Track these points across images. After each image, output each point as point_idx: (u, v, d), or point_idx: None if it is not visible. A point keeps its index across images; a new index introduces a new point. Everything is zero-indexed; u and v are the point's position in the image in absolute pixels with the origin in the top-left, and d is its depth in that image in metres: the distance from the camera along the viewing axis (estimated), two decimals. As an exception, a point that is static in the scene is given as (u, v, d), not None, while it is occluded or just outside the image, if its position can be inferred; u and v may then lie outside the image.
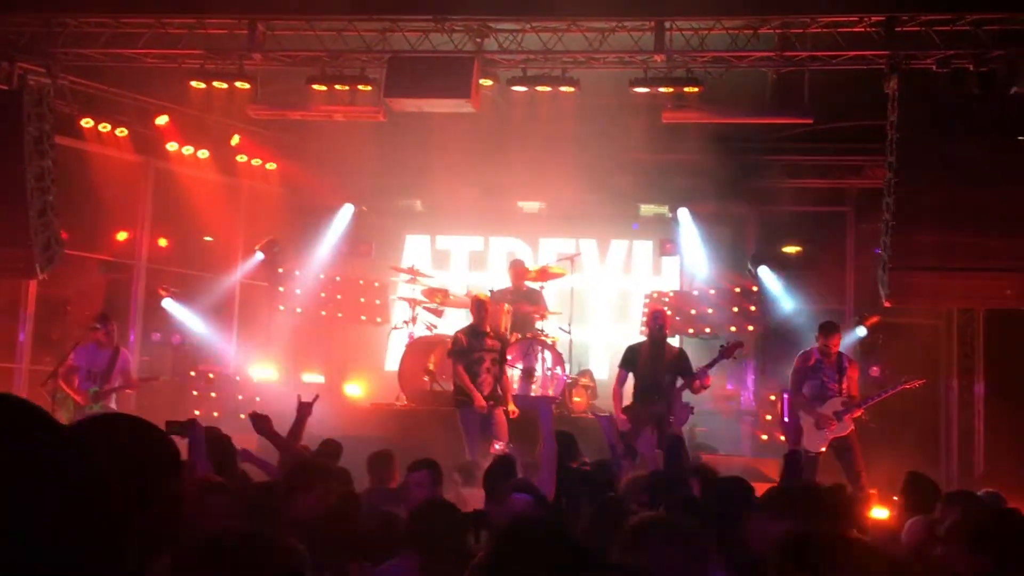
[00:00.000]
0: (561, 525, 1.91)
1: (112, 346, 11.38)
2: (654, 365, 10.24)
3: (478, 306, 11.04)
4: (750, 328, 13.73)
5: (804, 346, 12.47)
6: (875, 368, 12.86)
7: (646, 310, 13.24)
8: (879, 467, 10.65)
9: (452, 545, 4.39)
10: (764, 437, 12.91)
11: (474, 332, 11.01)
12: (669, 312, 13.55)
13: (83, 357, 11.23)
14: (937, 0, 10.61)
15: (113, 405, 11.21)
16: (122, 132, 13.50)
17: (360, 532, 5.01)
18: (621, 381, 10.47)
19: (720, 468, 9.75)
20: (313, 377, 14.55)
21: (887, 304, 11.06)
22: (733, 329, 13.38)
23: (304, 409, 7.40)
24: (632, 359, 10.46)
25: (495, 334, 11.19)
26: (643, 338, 10.65)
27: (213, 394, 13.55)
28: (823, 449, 10.20)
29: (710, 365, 10.04)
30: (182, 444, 4.84)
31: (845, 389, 10.41)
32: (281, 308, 14.62)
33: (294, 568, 2.05)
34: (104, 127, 13.34)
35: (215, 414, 12.89)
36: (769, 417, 12.90)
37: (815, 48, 11.13)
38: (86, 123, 13.17)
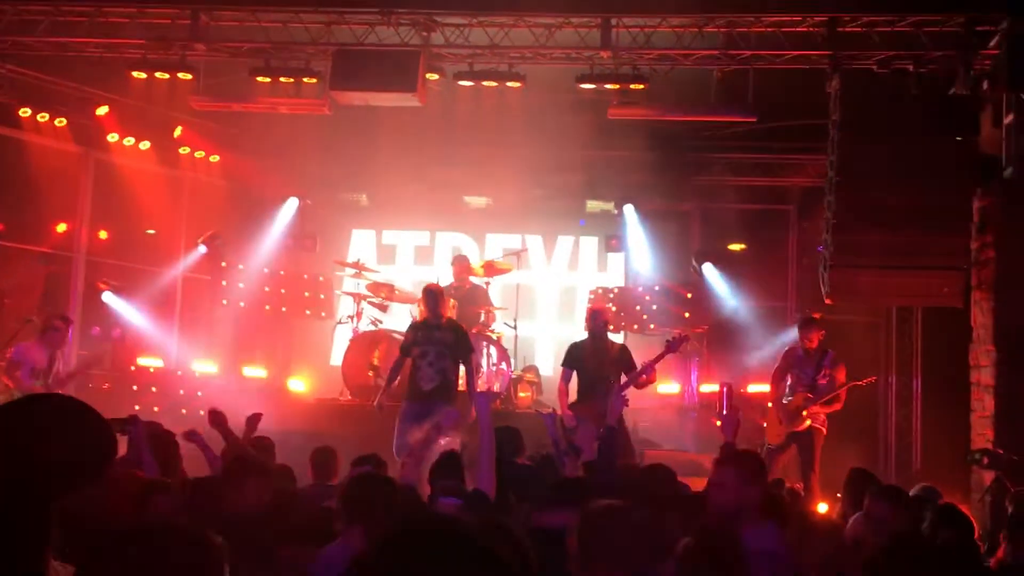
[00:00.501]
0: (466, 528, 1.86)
1: (57, 348, 11.14)
2: (597, 362, 10.27)
3: (424, 296, 10.65)
4: (694, 324, 13.83)
5: (747, 342, 12.65)
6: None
7: (589, 304, 13.31)
8: (821, 463, 10.79)
9: (391, 510, 4.40)
10: (708, 433, 13.01)
11: (419, 325, 10.69)
12: (613, 308, 13.67)
13: (28, 353, 10.96)
14: (879, 2, 10.75)
15: None
16: (61, 122, 13.25)
17: (297, 526, 4.99)
18: (566, 379, 10.47)
19: (664, 463, 9.86)
20: (255, 371, 14.41)
21: (828, 302, 11.21)
22: (677, 325, 13.46)
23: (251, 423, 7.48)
24: (575, 357, 10.46)
25: (448, 326, 10.66)
26: (585, 336, 10.65)
27: (154, 389, 13.36)
28: (779, 443, 10.40)
29: (656, 360, 10.08)
30: (123, 441, 4.79)
31: (823, 385, 10.54)
32: (224, 302, 14.46)
33: (211, 560, 2.01)
34: (43, 117, 13.08)
35: (155, 409, 12.69)
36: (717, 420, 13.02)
37: (759, 47, 11.23)
38: (24, 113, 12.90)
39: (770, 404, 10.96)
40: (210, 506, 5.16)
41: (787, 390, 10.70)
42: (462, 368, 10.59)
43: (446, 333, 10.43)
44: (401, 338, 11.13)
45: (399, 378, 10.73)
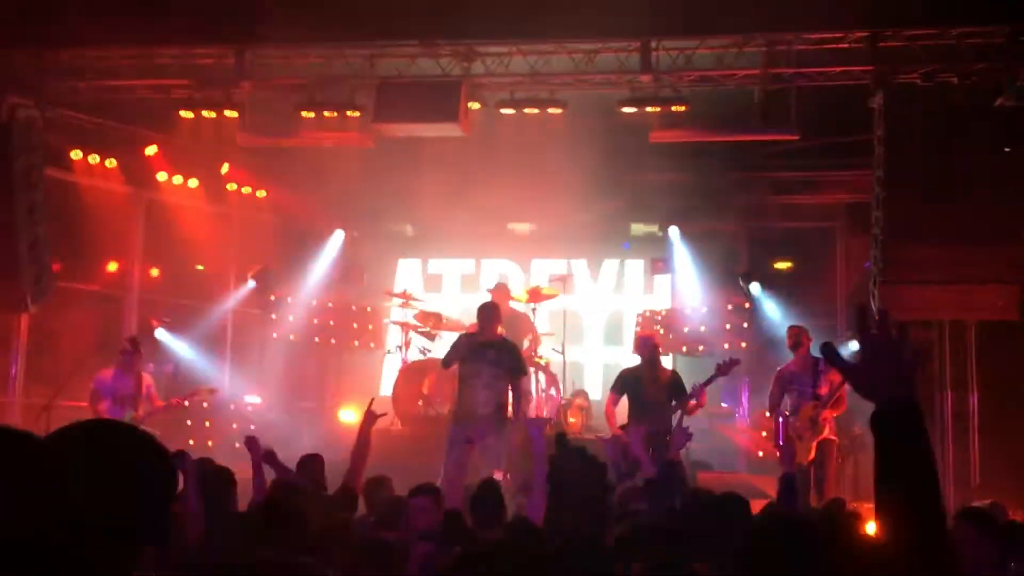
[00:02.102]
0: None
1: (136, 371, 11.34)
2: (649, 388, 10.20)
3: (480, 311, 10.21)
4: (743, 345, 13.72)
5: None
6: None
7: (638, 331, 13.28)
8: (872, 481, 10.62)
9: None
10: (760, 454, 12.89)
11: (469, 340, 10.22)
12: (661, 331, 13.61)
13: (106, 383, 11.15)
14: (920, 15, 10.67)
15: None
16: (111, 163, 13.50)
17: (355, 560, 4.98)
18: (614, 403, 10.41)
19: (716, 484, 9.78)
20: (306, 404, 14.51)
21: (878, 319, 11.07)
22: (726, 346, 13.38)
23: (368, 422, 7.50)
24: (626, 383, 10.39)
25: (503, 345, 10.16)
26: (636, 362, 10.59)
27: (207, 423, 13.50)
28: (812, 456, 10.22)
29: (707, 383, 10.02)
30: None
31: (824, 393, 10.31)
32: (274, 335, 14.60)
33: None
34: (94, 158, 13.34)
35: (209, 443, 12.84)
36: (764, 433, 12.90)
37: (800, 65, 11.20)
38: (75, 155, 13.17)
39: (764, 433, 10.77)
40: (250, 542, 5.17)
41: (791, 410, 10.44)
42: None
43: (501, 353, 10.01)
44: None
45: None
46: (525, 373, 10.34)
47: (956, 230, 10.36)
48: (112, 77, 12.01)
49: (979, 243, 10.37)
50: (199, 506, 5.62)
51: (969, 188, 10.35)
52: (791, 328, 11.02)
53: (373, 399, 8.15)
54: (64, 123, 12.91)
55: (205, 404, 13.54)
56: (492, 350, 9.97)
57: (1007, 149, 10.64)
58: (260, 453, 7.18)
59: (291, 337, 14.61)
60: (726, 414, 13.99)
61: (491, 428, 9.56)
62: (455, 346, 10.30)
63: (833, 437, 10.43)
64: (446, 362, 10.36)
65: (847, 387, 10.36)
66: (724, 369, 9.99)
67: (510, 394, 10.12)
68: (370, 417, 7.75)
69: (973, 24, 10.59)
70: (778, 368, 10.81)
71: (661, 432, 9.59)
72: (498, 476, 9.16)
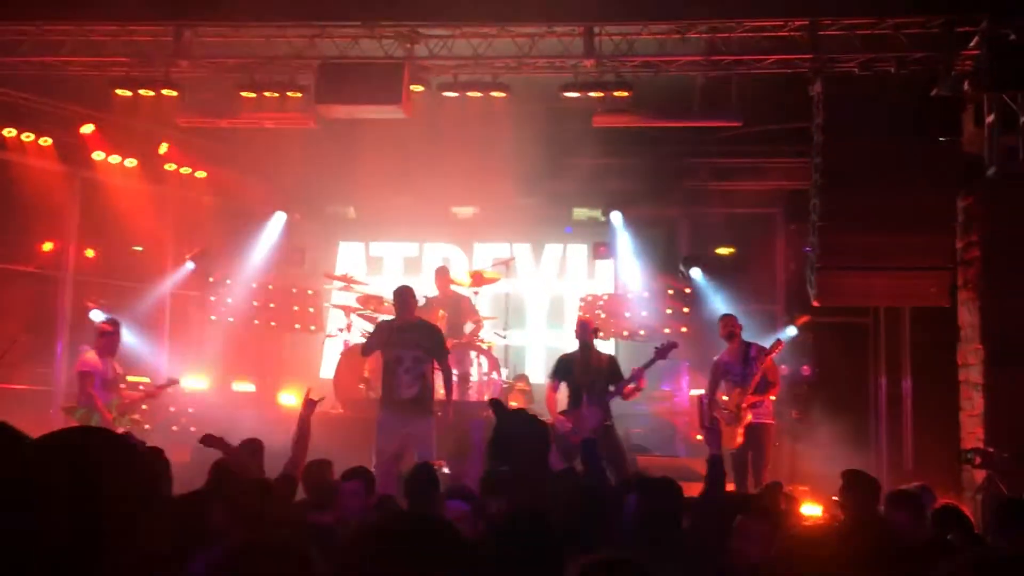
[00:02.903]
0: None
1: (113, 354, 10.98)
2: (585, 373, 10.24)
3: (395, 296, 10.05)
4: (683, 330, 13.84)
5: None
6: (806, 367, 13.08)
7: (579, 316, 13.35)
8: (809, 464, 10.82)
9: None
10: (698, 437, 13.03)
11: (387, 326, 10.09)
12: (603, 316, 13.70)
13: (96, 365, 10.75)
14: (859, 5, 10.81)
15: (137, 417, 10.98)
16: (46, 142, 13.22)
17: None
18: (554, 389, 10.43)
19: (655, 469, 9.88)
20: (245, 386, 14.38)
21: (816, 304, 11.26)
22: (667, 331, 13.49)
23: (307, 409, 7.47)
24: (564, 368, 10.43)
25: (421, 326, 10.09)
26: (574, 347, 10.63)
27: (144, 406, 13.30)
28: (740, 441, 10.35)
29: (645, 367, 10.09)
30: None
31: (755, 378, 10.43)
32: (213, 318, 14.44)
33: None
34: (27, 137, 13.05)
35: (146, 426, 12.66)
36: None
37: (741, 52, 11.29)
38: (8, 133, 12.88)
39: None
40: (196, 522, 5.14)
41: (727, 392, 10.60)
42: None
43: (421, 335, 9.89)
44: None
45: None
46: (447, 353, 10.16)
47: (891, 218, 10.51)
48: (46, 53, 11.75)
49: (913, 231, 10.53)
50: None
51: (904, 177, 10.52)
52: (724, 317, 11.14)
53: (310, 388, 8.10)
54: (-3, 100, 12.63)
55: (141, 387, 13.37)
56: (411, 333, 9.81)
57: (941, 139, 10.82)
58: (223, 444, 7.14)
59: (230, 319, 14.46)
60: (665, 398, 14.11)
61: (417, 414, 9.51)
62: (374, 333, 10.20)
63: (769, 421, 10.58)
64: (365, 350, 10.29)
65: (780, 370, 10.55)
66: (662, 352, 10.07)
67: (436, 378, 10.02)
68: (309, 405, 7.71)
69: (910, 15, 10.74)
70: (714, 359, 10.94)
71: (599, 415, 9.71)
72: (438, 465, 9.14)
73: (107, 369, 10.85)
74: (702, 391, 10.93)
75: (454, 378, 10.61)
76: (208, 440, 7.14)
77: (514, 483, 5.28)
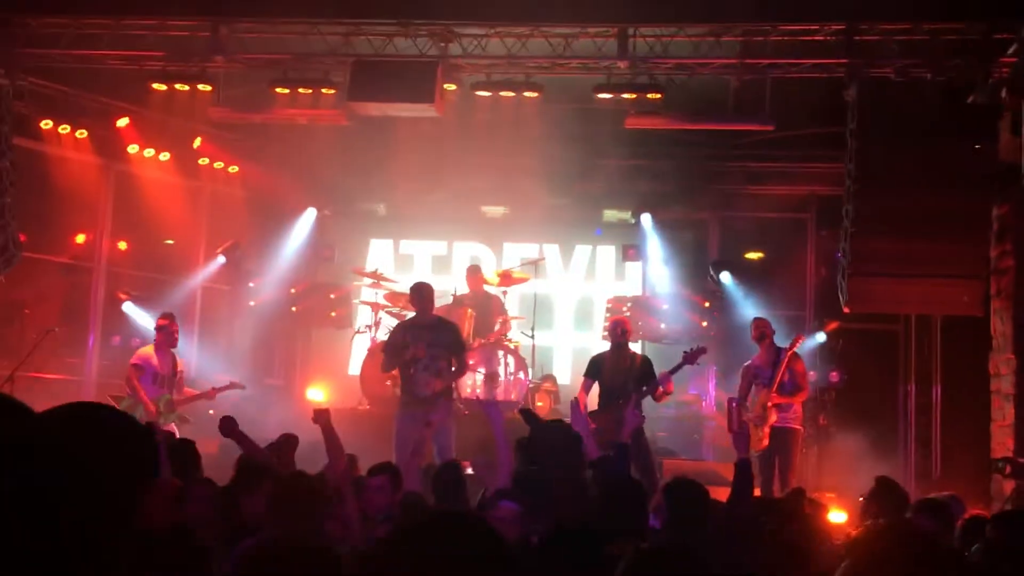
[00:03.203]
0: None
1: (171, 350, 11.04)
2: (617, 373, 10.24)
3: (411, 294, 10.15)
4: (712, 333, 13.80)
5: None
6: (834, 373, 12.99)
7: (608, 317, 13.34)
8: (836, 471, 10.76)
9: None
10: (727, 442, 12.99)
11: (407, 325, 10.16)
12: (629, 317, 13.66)
13: (150, 360, 10.85)
14: (895, 10, 10.72)
15: (183, 413, 10.92)
16: (82, 134, 13.36)
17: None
18: (586, 389, 10.43)
19: (682, 472, 9.84)
20: (274, 381, 14.47)
21: (846, 310, 11.18)
22: (695, 335, 13.44)
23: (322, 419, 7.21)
24: (596, 368, 10.43)
25: (439, 324, 10.12)
26: (607, 347, 10.62)
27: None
28: (765, 443, 10.35)
29: (674, 371, 10.07)
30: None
31: (779, 376, 10.44)
32: (252, 303, 14.51)
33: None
34: (64, 129, 13.19)
35: (190, 420, 12.75)
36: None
37: (776, 56, 11.23)
38: (45, 125, 13.02)
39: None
40: (225, 513, 5.18)
41: (755, 396, 10.64)
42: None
43: (438, 332, 9.93)
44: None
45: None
46: (465, 349, 10.25)
47: (925, 225, 10.42)
48: (84, 46, 11.86)
49: (947, 239, 10.44)
50: (168, 474, 5.64)
51: (938, 184, 10.42)
52: (756, 320, 11.13)
53: (319, 406, 7.91)
54: (34, 92, 12.74)
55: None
56: (428, 331, 9.89)
57: (977, 146, 10.71)
58: (237, 431, 7.15)
59: (260, 314, 14.53)
60: (692, 401, 14.07)
61: (436, 406, 9.49)
62: (390, 338, 10.25)
63: (796, 426, 10.54)
64: (387, 362, 10.15)
65: (810, 374, 10.51)
66: (691, 357, 10.05)
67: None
68: (321, 415, 7.21)
69: (948, 20, 10.65)
70: (745, 364, 10.92)
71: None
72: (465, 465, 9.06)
73: (164, 364, 10.90)
74: (732, 395, 10.90)
75: (477, 375, 10.57)
76: (226, 427, 7.11)
77: (546, 485, 5.26)
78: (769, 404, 10.38)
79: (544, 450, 5.77)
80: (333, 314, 14.76)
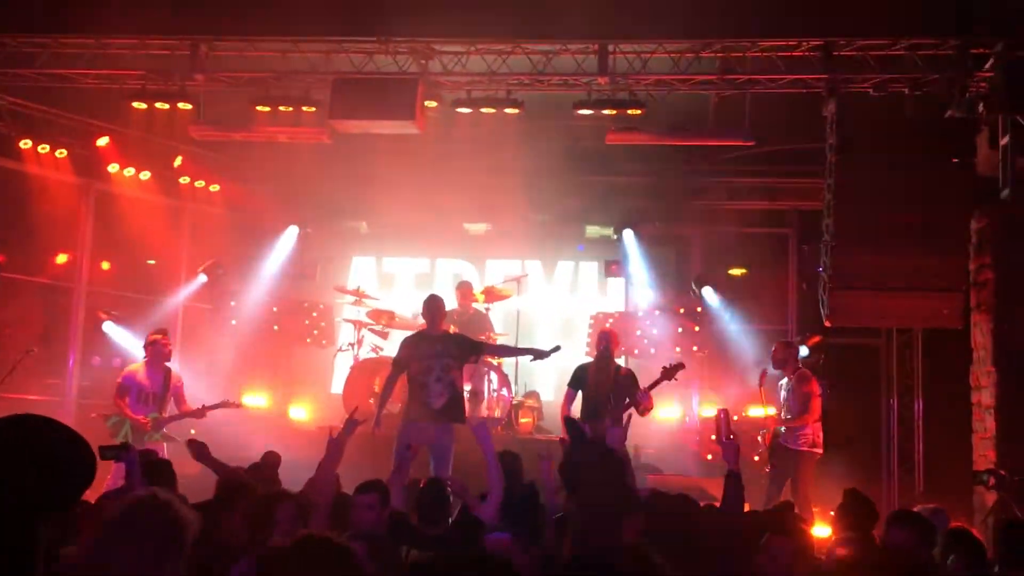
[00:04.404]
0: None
1: (164, 366, 10.98)
2: (600, 384, 10.23)
3: (425, 306, 10.13)
4: (694, 349, 13.82)
5: (748, 366, 12.64)
6: (816, 387, 13.01)
7: (592, 330, 13.35)
8: (820, 485, 10.75)
9: None
10: (709, 457, 12.98)
11: (415, 339, 10.14)
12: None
13: (133, 378, 10.82)
14: (873, 26, 10.81)
15: (174, 435, 10.74)
16: (62, 154, 13.30)
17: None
18: (569, 400, 10.41)
19: (667, 488, 9.82)
20: (256, 400, 14.38)
21: (827, 324, 11.23)
22: (678, 350, 13.46)
23: (348, 431, 6.96)
24: (580, 378, 10.44)
25: (449, 338, 10.24)
26: (591, 358, 10.63)
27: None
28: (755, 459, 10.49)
29: (652, 387, 10.06)
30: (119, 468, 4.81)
31: (789, 405, 10.68)
32: (233, 322, 14.44)
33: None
34: (43, 148, 13.12)
35: (176, 439, 12.67)
36: (713, 436, 12.99)
37: (755, 72, 11.30)
38: (24, 144, 12.95)
39: (712, 436, 11.09)
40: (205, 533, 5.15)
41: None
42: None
43: (447, 344, 10.03)
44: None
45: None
46: (479, 352, 10.43)
47: (904, 239, 10.49)
48: (63, 65, 11.84)
49: (926, 252, 10.51)
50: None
51: (918, 198, 10.49)
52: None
53: (356, 407, 7.81)
54: (13, 111, 12.71)
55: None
56: (439, 343, 9.95)
57: (955, 160, 10.79)
58: (208, 455, 7.13)
59: (242, 333, 14.46)
60: (676, 417, 14.06)
61: (444, 421, 9.61)
62: (403, 347, 10.12)
63: (804, 449, 10.47)
64: (397, 366, 10.09)
65: (820, 400, 10.63)
66: (669, 372, 10.03)
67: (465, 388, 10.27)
68: (350, 427, 6.93)
69: (925, 36, 10.75)
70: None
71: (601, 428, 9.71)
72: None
73: (152, 381, 10.85)
74: (721, 406, 10.98)
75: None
76: (196, 451, 7.08)
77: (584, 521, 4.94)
78: (770, 430, 10.76)
79: (581, 470, 5.25)
80: (315, 332, 14.71)
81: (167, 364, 11.10)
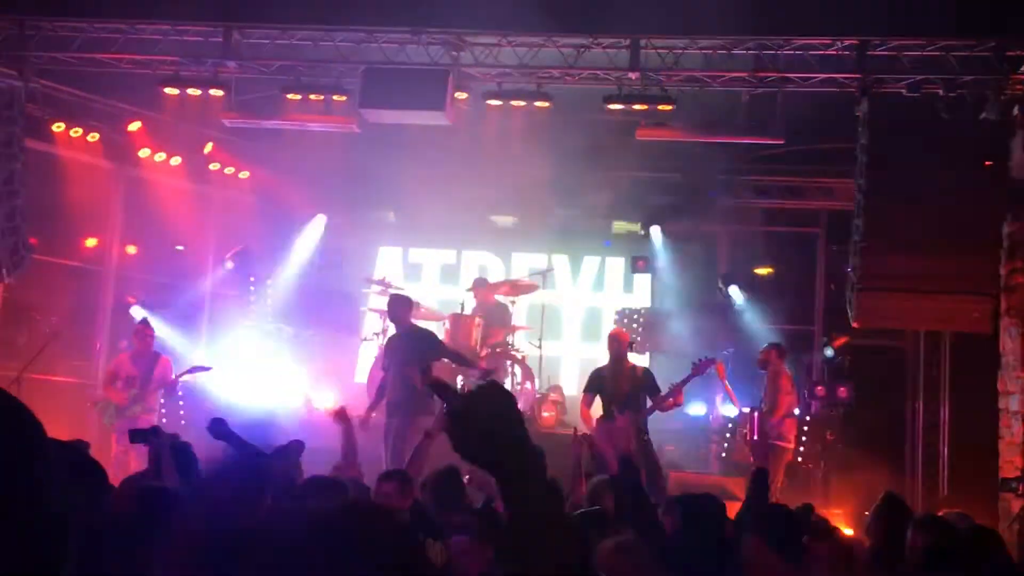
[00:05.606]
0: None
1: (150, 352, 11.60)
2: (617, 385, 10.23)
3: (390, 307, 10.99)
4: (720, 347, 13.76)
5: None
6: (843, 389, 12.94)
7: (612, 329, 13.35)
8: (843, 487, 10.72)
9: None
10: (723, 455, 12.97)
11: (392, 338, 10.90)
12: (640, 330, 13.65)
13: (122, 364, 11.53)
14: (908, 25, 10.71)
15: (155, 407, 11.56)
16: (94, 137, 13.38)
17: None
18: (587, 404, 10.47)
19: (689, 486, 9.82)
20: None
21: (855, 325, 11.15)
22: (703, 347, 13.40)
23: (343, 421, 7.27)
24: (597, 382, 10.45)
25: (409, 333, 10.72)
26: (607, 360, 10.63)
27: (180, 402, 13.40)
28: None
29: (682, 383, 10.06)
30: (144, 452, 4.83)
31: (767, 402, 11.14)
32: (250, 318, 14.51)
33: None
34: (76, 132, 13.21)
35: (182, 422, 12.75)
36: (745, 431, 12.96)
37: (788, 70, 11.22)
38: (57, 127, 13.04)
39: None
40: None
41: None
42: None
43: (408, 341, 10.44)
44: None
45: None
46: (440, 346, 10.86)
47: (935, 241, 10.40)
48: (97, 50, 11.90)
49: (957, 255, 10.41)
50: (175, 480, 5.62)
51: (949, 200, 10.39)
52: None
53: (342, 407, 8.01)
54: (46, 95, 12.78)
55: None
56: (402, 340, 10.50)
57: (988, 163, 10.68)
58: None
59: (268, 320, 14.53)
60: (700, 414, 14.00)
61: (399, 414, 10.09)
62: (383, 353, 10.95)
63: (779, 444, 10.75)
64: (384, 369, 10.69)
65: (789, 398, 10.88)
66: (699, 369, 10.05)
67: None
68: (339, 418, 7.43)
69: (961, 37, 10.64)
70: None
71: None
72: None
73: (137, 367, 11.39)
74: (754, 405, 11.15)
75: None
76: (215, 428, 7.11)
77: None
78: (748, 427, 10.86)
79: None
80: (341, 322, 14.75)
81: (156, 351, 11.74)
